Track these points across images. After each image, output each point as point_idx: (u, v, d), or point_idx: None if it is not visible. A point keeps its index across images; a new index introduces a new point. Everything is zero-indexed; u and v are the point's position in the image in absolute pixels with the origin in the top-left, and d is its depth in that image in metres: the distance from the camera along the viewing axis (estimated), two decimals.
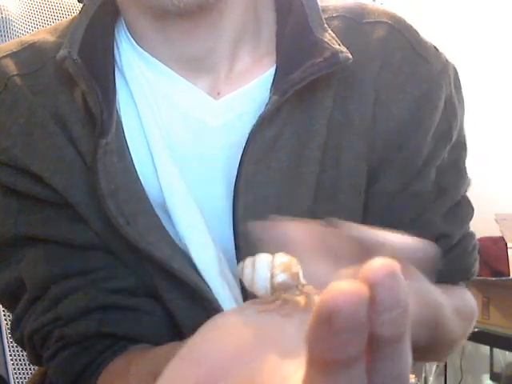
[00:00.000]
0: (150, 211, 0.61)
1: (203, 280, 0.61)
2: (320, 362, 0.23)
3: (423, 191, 0.66)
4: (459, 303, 0.66)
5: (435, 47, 0.68)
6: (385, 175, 0.65)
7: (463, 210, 0.69)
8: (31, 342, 0.65)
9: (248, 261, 0.37)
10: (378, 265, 0.24)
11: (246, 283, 0.37)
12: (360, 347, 0.23)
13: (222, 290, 0.61)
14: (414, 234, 0.62)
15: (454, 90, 0.67)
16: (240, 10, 0.65)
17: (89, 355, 0.62)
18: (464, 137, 0.70)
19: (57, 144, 0.62)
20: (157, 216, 0.62)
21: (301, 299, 0.35)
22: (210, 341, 0.34)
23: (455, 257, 0.68)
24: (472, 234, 0.71)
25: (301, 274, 0.36)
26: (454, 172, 0.68)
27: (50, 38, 0.67)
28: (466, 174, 0.70)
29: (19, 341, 0.67)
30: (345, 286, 0.22)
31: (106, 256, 0.62)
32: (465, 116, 0.70)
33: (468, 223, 0.70)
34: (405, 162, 0.65)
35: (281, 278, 0.36)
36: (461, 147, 0.69)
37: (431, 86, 0.65)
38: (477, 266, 0.71)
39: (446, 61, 0.67)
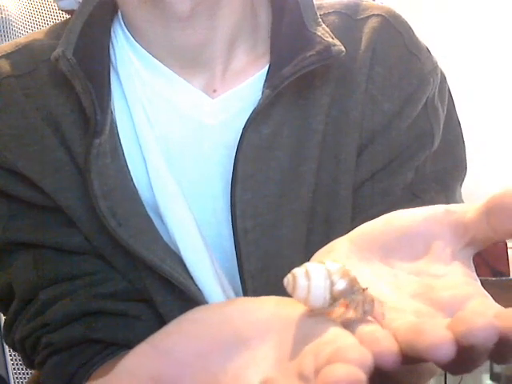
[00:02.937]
0: (142, 213, 0.61)
1: (194, 282, 0.61)
2: None
3: (390, 191, 0.64)
4: None
5: (427, 48, 0.68)
6: (359, 163, 0.64)
7: None
8: (23, 348, 0.65)
9: (298, 272, 0.34)
10: (342, 374, 0.24)
11: (300, 295, 0.33)
12: None
13: (215, 292, 0.61)
14: None
15: (437, 94, 0.66)
16: (237, 8, 0.64)
17: (77, 362, 0.61)
18: (459, 158, 0.68)
19: (48, 147, 0.62)
20: (149, 218, 0.61)
21: (361, 305, 0.33)
22: (178, 335, 0.33)
23: None
24: None
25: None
26: (434, 184, 0.66)
27: (45, 40, 0.67)
28: (453, 192, 0.67)
29: (11, 345, 0.67)
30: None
31: (96, 260, 0.62)
32: (463, 126, 0.69)
33: None
34: (381, 151, 0.64)
35: (341, 284, 0.33)
36: (451, 162, 0.68)
37: (421, 83, 0.65)
38: None
39: (436, 64, 0.68)
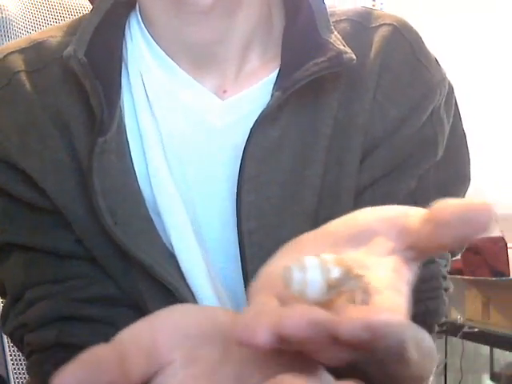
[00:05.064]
0: (142, 214, 0.61)
1: (188, 286, 0.61)
2: None
3: (392, 197, 0.64)
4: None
5: (436, 59, 0.68)
6: (362, 169, 0.64)
7: None
8: (13, 341, 0.66)
9: (293, 265, 0.34)
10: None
11: (297, 288, 0.33)
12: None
13: (207, 295, 0.61)
14: None
15: (443, 104, 0.67)
16: (255, 11, 0.65)
17: (50, 364, 0.61)
18: (463, 169, 0.68)
19: (51, 146, 0.62)
20: (149, 219, 0.61)
21: (361, 290, 0.33)
22: (173, 316, 0.35)
23: None
24: (439, 270, 0.66)
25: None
26: (437, 195, 0.66)
27: (60, 37, 0.67)
28: None
29: (7, 335, 0.69)
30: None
31: (84, 265, 0.61)
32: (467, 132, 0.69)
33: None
34: (384, 157, 0.64)
35: (336, 272, 0.33)
36: (454, 174, 0.68)
37: (429, 92, 0.65)
38: (440, 311, 0.66)
39: (445, 75, 0.68)
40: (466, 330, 2.11)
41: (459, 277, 2.18)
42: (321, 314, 0.30)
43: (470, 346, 2.46)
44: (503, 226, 2.15)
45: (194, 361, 0.34)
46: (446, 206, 0.32)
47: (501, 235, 2.19)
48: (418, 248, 0.35)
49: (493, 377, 2.60)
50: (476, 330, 2.10)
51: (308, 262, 0.33)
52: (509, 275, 2.10)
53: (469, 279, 2.15)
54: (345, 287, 0.33)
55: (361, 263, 0.35)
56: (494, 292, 2.04)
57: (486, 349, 2.55)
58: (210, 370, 0.34)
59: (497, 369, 2.59)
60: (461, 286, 2.18)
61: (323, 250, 0.36)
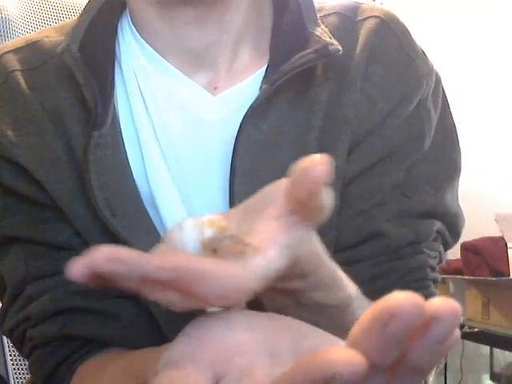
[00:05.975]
0: (138, 206, 0.61)
1: None
2: None
3: (379, 188, 0.64)
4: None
5: (423, 52, 0.68)
6: (350, 160, 0.64)
7: (425, 224, 0.65)
8: (12, 339, 0.66)
9: (174, 226, 0.36)
10: (443, 302, 0.27)
11: (174, 247, 0.36)
12: (393, 358, 0.27)
13: None
14: (356, 226, 0.63)
15: (430, 96, 0.67)
16: (245, 8, 0.66)
17: (55, 358, 0.62)
18: (454, 161, 0.69)
19: (49, 144, 0.62)
20: (145, 211, 0.62)
21: (234, 248, 0.35)
22: (213, 326, 0.35)
23: (393, 268, 0.64)
24: (426, 261, 0.65)
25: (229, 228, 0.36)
26: (427, 187, 0.66)
27: (55, 37, 0.68)
28: (444, 193, 0.67)
29: (5, 334, 0.68)
30: (410, 298, 0.26)
31: None
32: (461, 124, 0.69)
33: (427, 241, 0.65)
34: (372, 149, 0.64)
35: (208, 233, 0.35)
36: (446, 166, 0.68)
37: (416, 84, 0.65)
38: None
39: (432, 67, 0.68)
40: (466, 330, 2.11)
41: (459, 277, 2.18)
42: (127, 252, 0.32)
43: (470, 346, 2.46)
44: (503, 226, 2.15)
45: (249, 368, 0.34)
46: (299, 165, 0.34)
47: (501, 235, 2.19)
48: (298, 212, 0.36)
49: (493, 377, 2.60)
50: (476, 329, 2.11)
51: (185, 223, 0.36)
52: (509, 275, 2.10)
53: (469, 279, 2.15)
54: (219, 246, 0.35)
55: (249, 229, 0.37)
56: (494, 292, 2.04)
57: (486, 349, 2.56)
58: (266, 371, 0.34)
59: (497, 369, 2.59)
60: (461, 285, 2.18)
61: (236, 222, 0.38)
